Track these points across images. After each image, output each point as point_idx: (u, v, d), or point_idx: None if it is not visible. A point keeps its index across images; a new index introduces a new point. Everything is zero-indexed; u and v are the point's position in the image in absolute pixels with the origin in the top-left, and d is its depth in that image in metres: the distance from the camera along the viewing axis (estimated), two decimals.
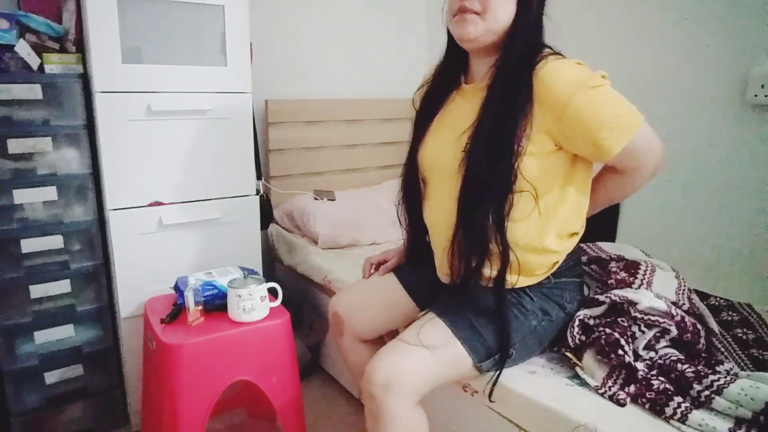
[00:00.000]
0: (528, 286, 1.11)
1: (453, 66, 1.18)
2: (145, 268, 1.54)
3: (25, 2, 1.54)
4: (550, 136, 1.00)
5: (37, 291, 1.47)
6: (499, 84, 1.03)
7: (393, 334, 1.30)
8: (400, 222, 1.30)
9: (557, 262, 1.11)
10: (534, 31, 1.06)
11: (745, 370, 1.08)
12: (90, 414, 1.62)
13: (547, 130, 1.00)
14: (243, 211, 1.69)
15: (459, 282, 1.10)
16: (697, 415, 0.92)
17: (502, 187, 1.02)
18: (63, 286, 1.51)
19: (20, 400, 1.50)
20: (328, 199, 2.13)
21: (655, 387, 0.99)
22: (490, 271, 1.07)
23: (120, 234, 1.49)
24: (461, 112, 1.11)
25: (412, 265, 1.32)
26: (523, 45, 1.03)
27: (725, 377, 0.97)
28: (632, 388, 1.01)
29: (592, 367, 1.07)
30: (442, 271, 1.18)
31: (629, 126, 0.98)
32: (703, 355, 1.11)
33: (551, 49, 1.05)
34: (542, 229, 1.06)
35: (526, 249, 1.07)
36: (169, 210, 1.56)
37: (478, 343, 1.05)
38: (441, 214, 1.14)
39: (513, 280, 1.08)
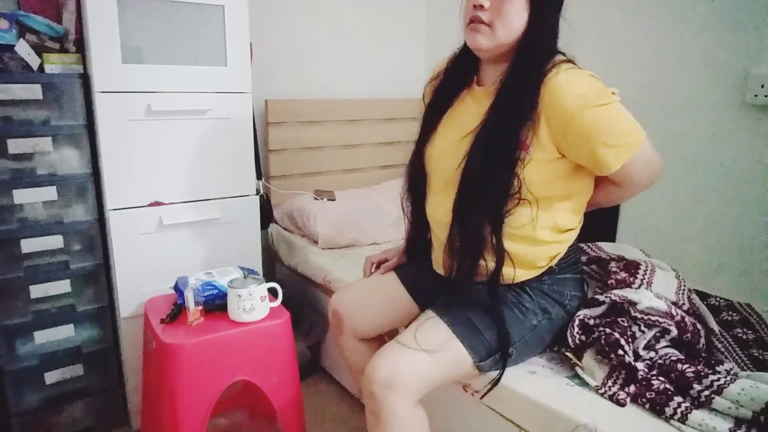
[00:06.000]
0: (527, 283, 1.11)
1: (466, 65, 1.17)
2: (145, 268, 1.54)
3: (25, 2, 1.54)
4: (555, 145, 1.01)
5: (37, 291, 1.47)
6: (507, 91, 1.03)
7: (393, 333, 1.30)
8: (404, 211, 1.30)
9: (559, 253, 1.11)
10: (547, 38, 1.04)
11: (745, 370, 1.08)
12: (90, 414, 1.62)
13: (552, 139, 1.01)
14: (243, 211, 1.69)
15: (453, 280, 1.10)
16: (697, 415, 0.92)
17: (498, 193, 1.02)
18: (63, 286, 1.51)
19: (20, 400, 1.49)
20: (328, 199, 2.13)
21: (655, 387, 0.99)
22: (486, 266, 1.08)
23: (120, 234, 1.49)
24: (469, 114, 1.11)
25: (412, 260, 1.33)
26: (536, 53, 1.02)
27: (725, 377, 0.97)
28: (632, 388, 1.01)
29: (592, 367, 1.07)
30: (438, 265, 1.20)
31: (630, 145, 1.00)
32: (703, 355, 1.11)
33: (564, 55, 1.04)
34: (540, 227, 1.07)
35: (526, 242, 1.07)
36: (169, 210, 1.56)
37: (478, 342, 1.05)
38: (440, 212, 1.14)
39: (512, 273, 1.08)
